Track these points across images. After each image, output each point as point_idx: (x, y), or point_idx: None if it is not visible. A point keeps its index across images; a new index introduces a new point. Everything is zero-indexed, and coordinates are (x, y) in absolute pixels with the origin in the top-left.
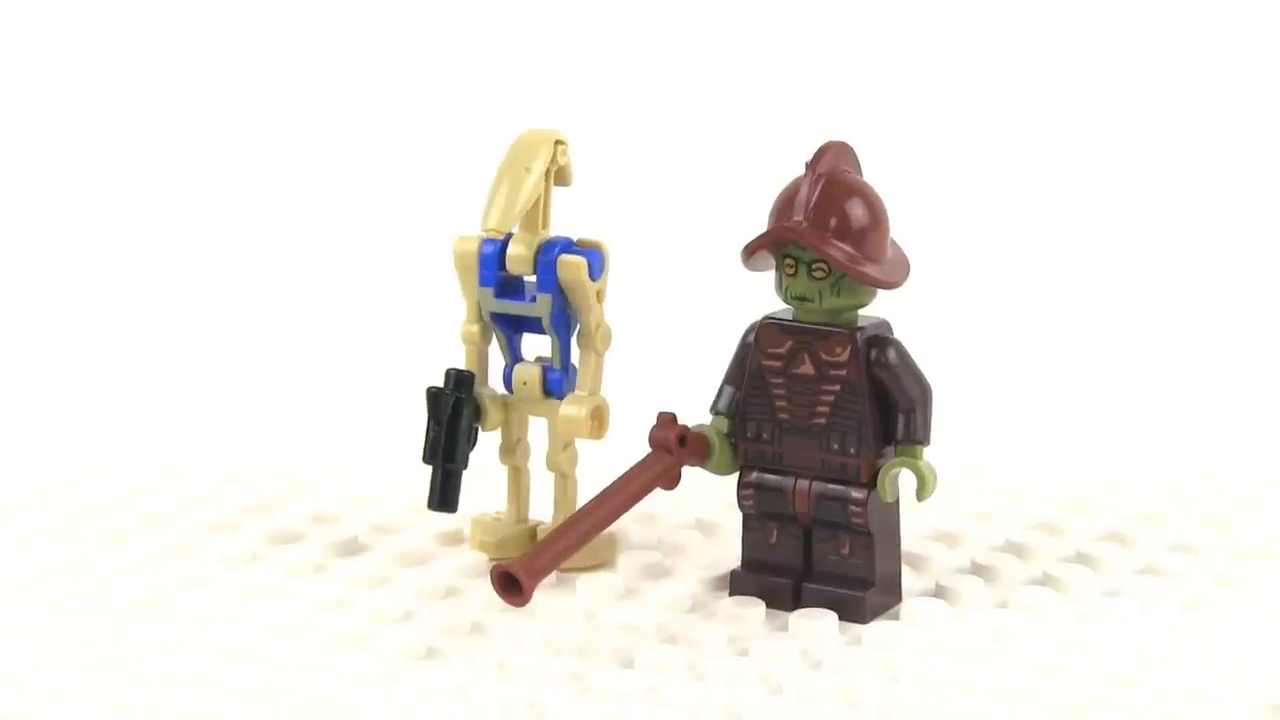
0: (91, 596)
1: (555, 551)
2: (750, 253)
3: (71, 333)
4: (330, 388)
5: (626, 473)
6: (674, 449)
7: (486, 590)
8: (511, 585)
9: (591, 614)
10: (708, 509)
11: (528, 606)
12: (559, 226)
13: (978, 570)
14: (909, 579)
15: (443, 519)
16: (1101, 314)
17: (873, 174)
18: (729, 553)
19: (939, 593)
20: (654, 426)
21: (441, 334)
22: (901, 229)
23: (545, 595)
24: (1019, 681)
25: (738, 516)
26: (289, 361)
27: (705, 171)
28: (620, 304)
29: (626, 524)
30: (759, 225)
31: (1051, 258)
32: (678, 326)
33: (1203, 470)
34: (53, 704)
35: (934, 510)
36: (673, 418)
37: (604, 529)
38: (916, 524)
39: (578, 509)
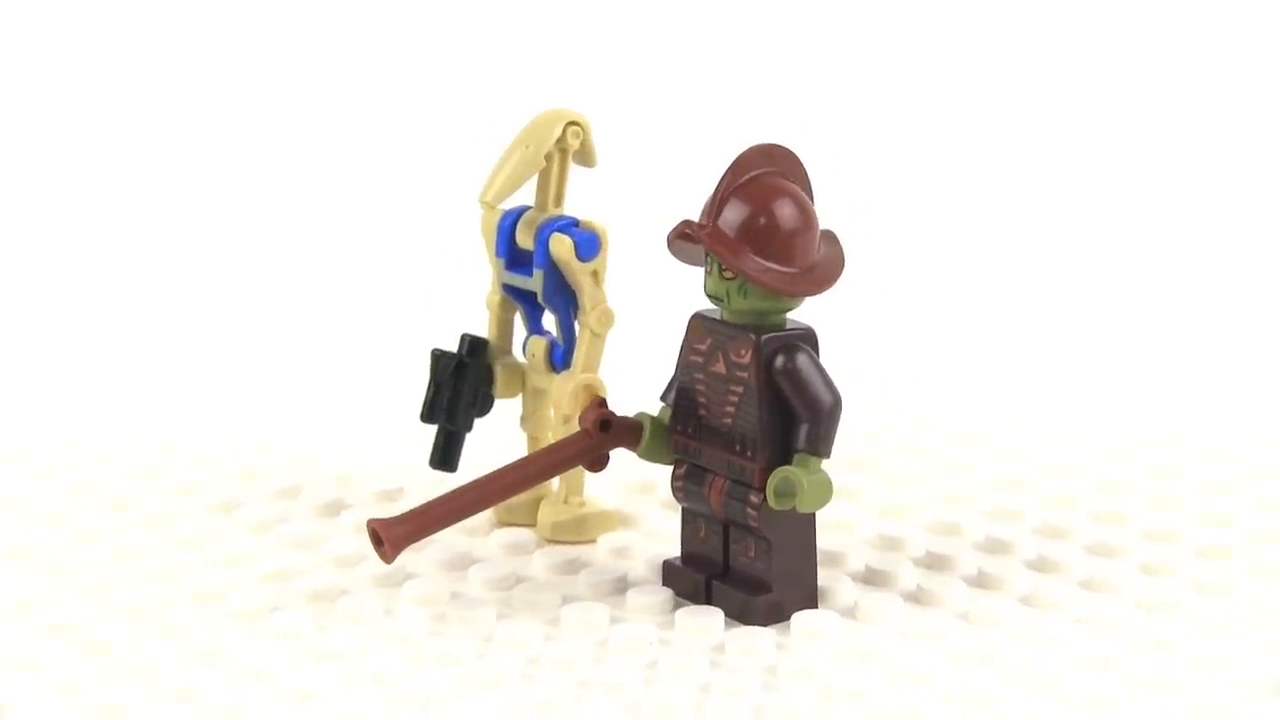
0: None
1: (429, 518)
2: (668, 245)
3: (76, 316)
4: (367, 359)
5: (542, 449)
6: (593, 433)
7: (441, 550)
8: (380, 543)
9: (519, 580)
10: None
11: (466, 569)
12: (593, 209)
13: (918, 594)
14: (847, 591)
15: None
16: (1082, 304)
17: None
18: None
19: (853, 610)
20: (584, 408)
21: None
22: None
23: (500, 560)
24: (821, 709)
25: None
26: (324, 339)
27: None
28: (640, 289)
29: (649, 508)
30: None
31: (1038, 252)
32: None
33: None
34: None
35: (946, 527)
36: (600, 401)
37: (500, 500)
38: (917, 539)
39: (484, 475)
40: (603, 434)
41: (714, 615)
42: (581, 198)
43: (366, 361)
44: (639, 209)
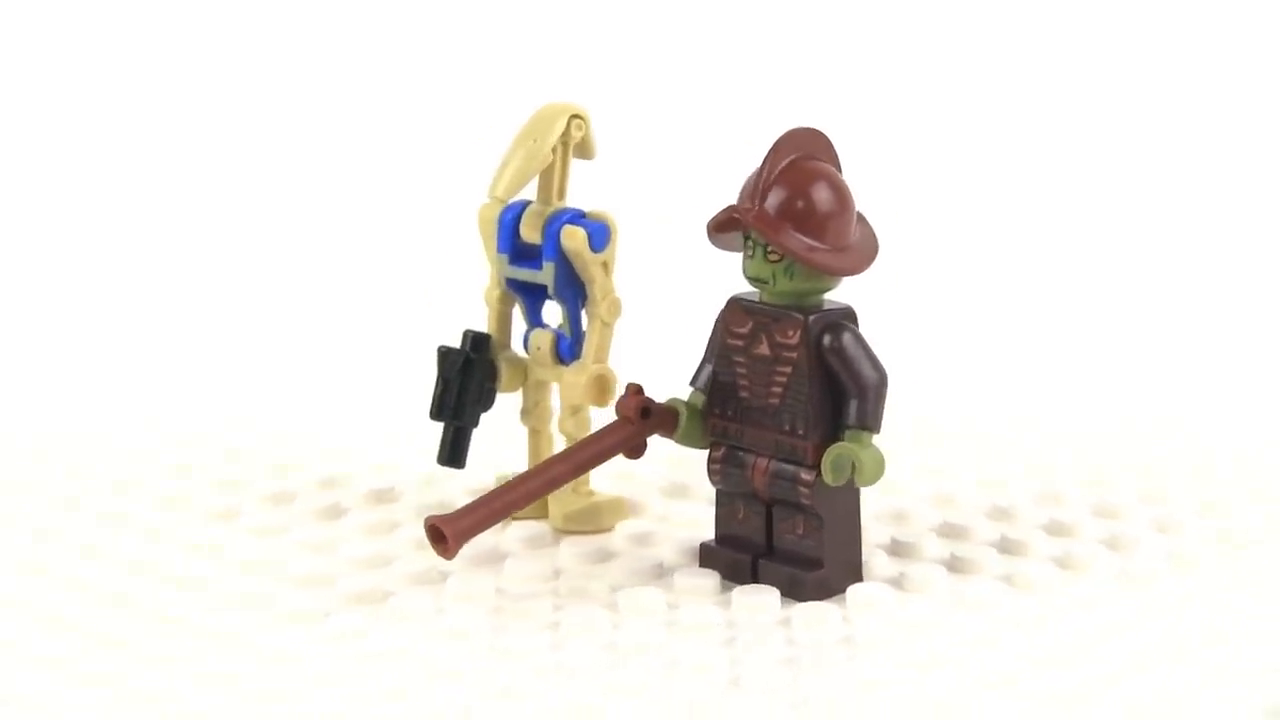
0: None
1: (488, 510)
2: (710, 233)
3: (77, 316)
4: (375, 353)
5: (585, 439)
6: (635, 420)
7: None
8: (440, 538)
9: (558, 573)
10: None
11: (501, 563)
12: (591, 199)
13: (955, 563)
14: (886, 565)
15: (474, 475)
16: (1091, 297)
17: (895, 152)
18: None
19: (901, 581)
20: (620, 396)
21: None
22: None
23: (528, 552)
24: (906, 675)
25: None
26: (324, 331)
27: (732, 148)
28: (644, 276)
29: (649, 493)
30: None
31: (1046, 246)
32: (696, 299)
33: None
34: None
35: (948, 498)
36: (638, 389)
37: (550, 491)
38: (928, 512)
39: (530, 469)
40: (643, 421)
41: (769, 593)
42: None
43: (359, 360)
44: (626, 199)
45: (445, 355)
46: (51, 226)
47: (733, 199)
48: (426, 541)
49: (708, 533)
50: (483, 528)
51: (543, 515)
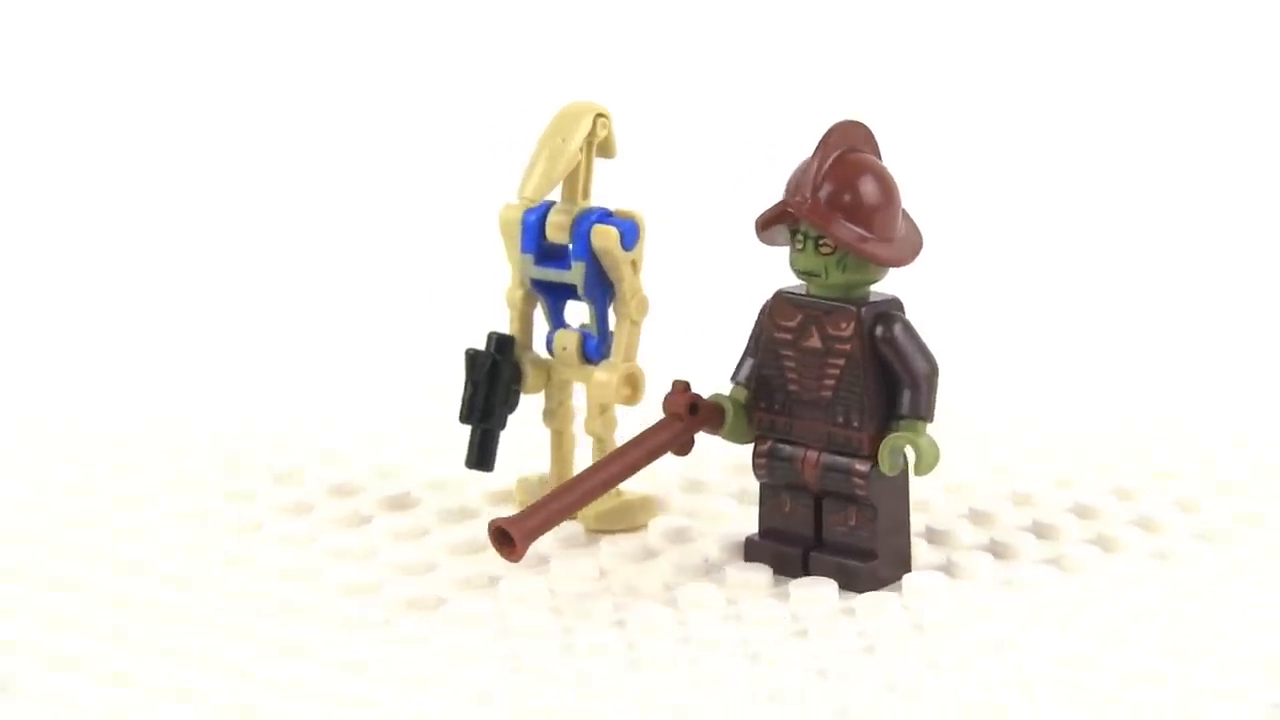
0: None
1: (551, 511)
2: (761, 228)
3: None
4: (378, 353)
5: (636, 437)
6: (684, 416)
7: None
8: (506, 541)
9: (605, 572)
10: (751, 478)
11: (546, 564)
12: (606, 197)
13: (995, 548)
14: (928, 553)
15: (494, 478)
16: (1105, 291)
17: (900, 150)
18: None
19: (949, 568)
20: (667, 394)
21: (492, 301)
22: (920, 207)
23: (567, 552)
24: (983, 659)
25: None
26: (321, 331)
27: (742, 145)
28: (663, 274)
29: (669, 490)
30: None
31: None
32: (716, 296)
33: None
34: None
35: (963, 485)
36: (685, 385)
37: (606, 491)
38: (949, 499)
39: (583, 470)
40: (692, 417)
41: (827, 584)
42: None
43: (357, 361)
44: (639, 197)
45: (474, 358)
46: (48, 228)
47: (745, 195)
48: (467, 545)
49: (741, 527)
50: (547, 528)
51: (572, 516)
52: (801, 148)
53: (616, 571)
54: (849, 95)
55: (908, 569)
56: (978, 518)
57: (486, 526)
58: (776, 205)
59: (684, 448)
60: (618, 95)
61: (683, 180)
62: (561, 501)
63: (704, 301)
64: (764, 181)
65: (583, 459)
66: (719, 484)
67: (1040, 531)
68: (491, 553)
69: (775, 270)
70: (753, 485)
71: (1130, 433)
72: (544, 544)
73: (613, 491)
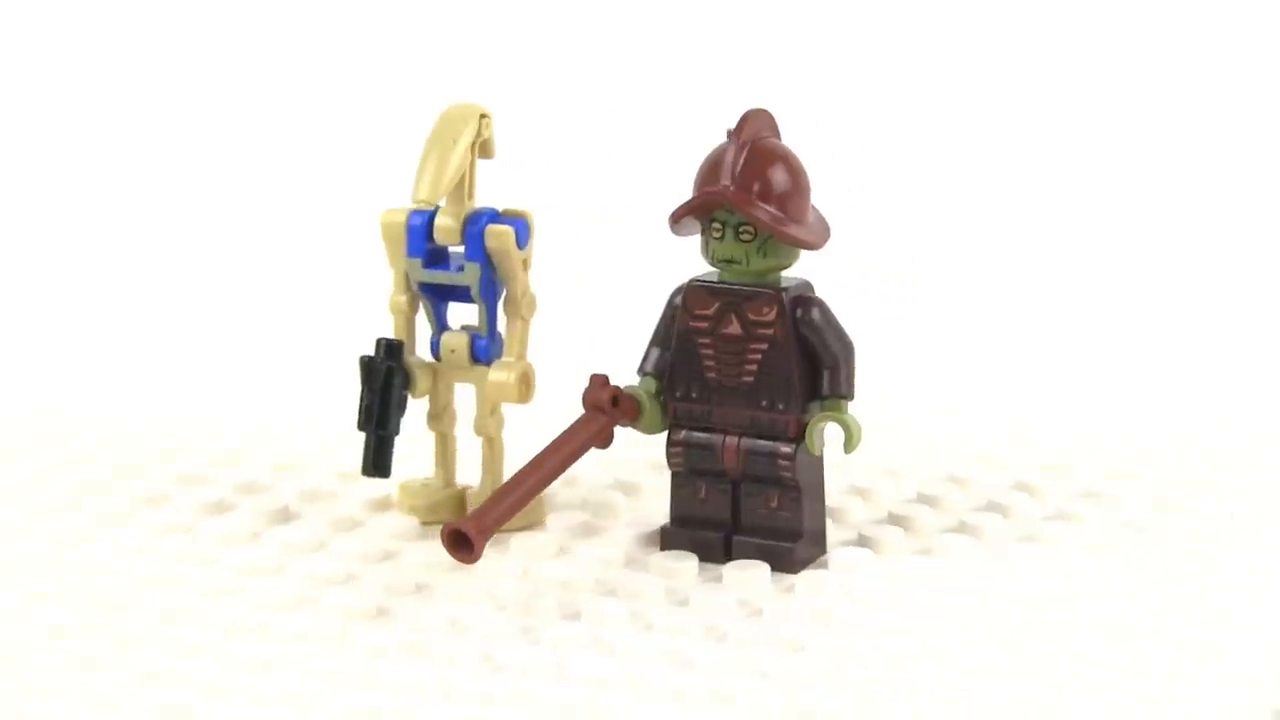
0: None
1: (501, 510)
2: (678, 218)
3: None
4: (250, 359)
5: (562, 434)
6: (607, 409)
7: (424, 552)
8: (461, 543)
9: (528, 571)
10: (628, 470)
11: (466, 566)
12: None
13: (895, 520)
14: (830, 531)
15: (368, 485)
16: (1027, 279)
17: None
18: (655, 510)
19: (861, 542)
20: (587, 388)
21: (362, 305)
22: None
23: (486, 553)
24: (952, 624)
25: (657, 476)
26: (207, 334)
27: (613, 142)
28: (540, 271)
29: (551, 486)
30: (682, 191)
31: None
32: (594, 292)
33: (1104, 422)
34: None
35: (850, 464)
36: (605, 379)
37: (544, 488)
38: (834, 478)
39: (517, 470)
40: (614, 410)
41: (758, 567)
42: None
43: (284, 345)
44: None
45: (370, 365)
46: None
47: (619, 190)
48: (379, 554)
49: (639, 516)
50: (498, 526)
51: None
52: (653, 141)
53: (543, 570)
54: (714, 86)
55: (824, 548)
56: (861, 493)
57: (440, 532)
58: (701, 194)
59: (606, 441)
60: (453, 94)
61: (552, 177)
62: (507, 501)
63: (574, 296)
64: (603, 179)
65: (463, 460)
66: (593, 478)
67: (927, 500)
68: (412, 560)
69: (644, 262)
70: (627, 475)
71: (1038, 421)
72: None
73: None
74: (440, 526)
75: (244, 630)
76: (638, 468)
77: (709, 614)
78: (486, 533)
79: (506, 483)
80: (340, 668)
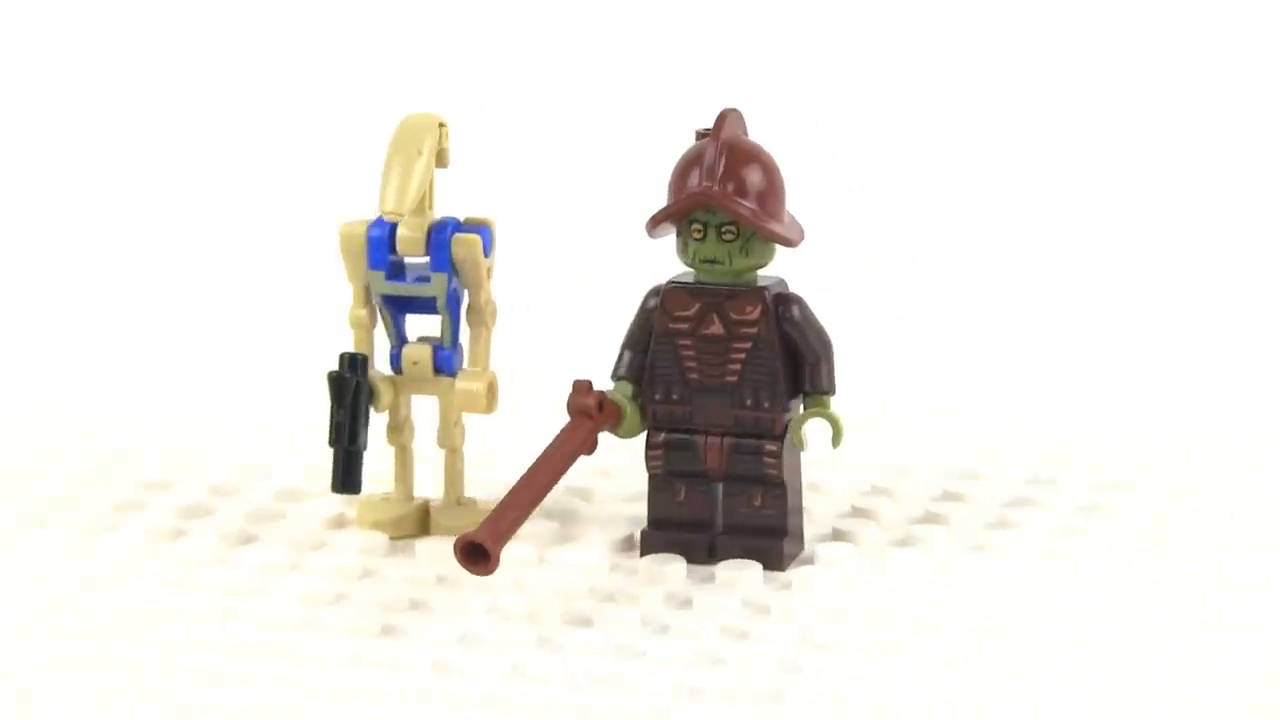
0: None
1: (511, 518)
2: (658, 221)
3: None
4: (201, 378)
5: (553, 441)
6: (594, 415)
7: (405, 568)
8: (477, 554)
9: (518, 582)
10: (574, 476)
11: (457, 581)
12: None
13: (896, 520)
14: (807, 526)
15: (322, 504)
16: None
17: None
18: (616, 514)
19: (835, 536)
20: (572, 394)
21: (319, 318)
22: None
23: (458, 569)
24: (952, 622)
25: (605, 480)
26: (159, 349)
27: (613, 142)
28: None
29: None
30: (661, 198)
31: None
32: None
33: (1104, 422)
34: None
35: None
36: (589, 384)
37: (545, 495)
38: (844, 481)
39: (516, 481)
40: (600, 415)
41: (749, 566)
42: None
43: (237, 362)
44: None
45: (339, 381)
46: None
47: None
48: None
49: (608, 521)
50: (511, 535)
51: (426, 532)
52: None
53: (530, 580)
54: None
55: (803, 544)
56: (830, 491)
57: (454, 545)
58: (686, 196)
59: (592, 446)
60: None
61: (505, 185)
62: (512, 514)
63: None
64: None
65: (420, 472)
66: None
67: (898, 502)
68: (395, 576)
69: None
70: (578, 481)
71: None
72: (428, 561)
73: (467, 503)
74: (409, 538)
75: (250, 651)
76: (586, 474)
77: (717, 614)
78: (501, 542)
79: (509, 494)
80: (357, 685)
